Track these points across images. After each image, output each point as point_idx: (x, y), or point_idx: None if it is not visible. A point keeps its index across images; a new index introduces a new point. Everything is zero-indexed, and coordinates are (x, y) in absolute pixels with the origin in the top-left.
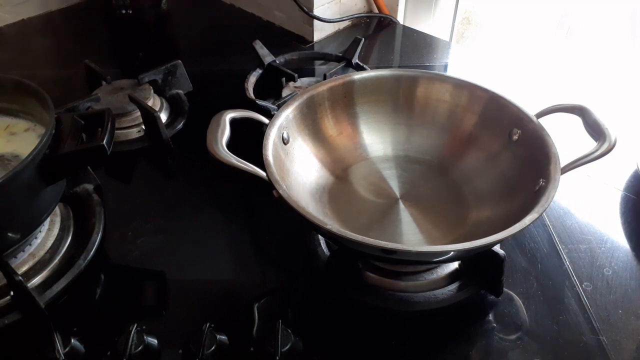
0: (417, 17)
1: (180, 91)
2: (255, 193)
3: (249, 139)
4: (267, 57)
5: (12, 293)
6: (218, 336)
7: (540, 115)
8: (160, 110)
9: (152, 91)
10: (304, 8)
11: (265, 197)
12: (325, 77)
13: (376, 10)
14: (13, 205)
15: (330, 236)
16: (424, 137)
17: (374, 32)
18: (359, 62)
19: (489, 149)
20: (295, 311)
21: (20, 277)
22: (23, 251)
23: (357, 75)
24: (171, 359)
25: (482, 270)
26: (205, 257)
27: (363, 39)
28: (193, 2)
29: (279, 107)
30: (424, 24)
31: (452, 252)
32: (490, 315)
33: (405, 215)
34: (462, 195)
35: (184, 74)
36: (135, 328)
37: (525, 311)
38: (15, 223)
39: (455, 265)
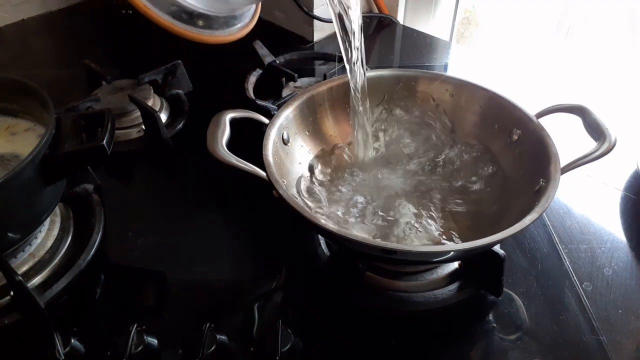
0: (417, 17)
1: (180, 91)
2: (255, 193)
3: (249, 139)
4: (267, 57)
5: (12, 293)
6: (218, 336)
7: (540, 115)
8: (160, 110)
9: (152, 91)
10: (304, 8)
11: (265, 197)
12: (325, 77)
13: (376, 10)
14: (13, 205)
15: (330, 236)
16: (424, 137)
17: (374, 32)
18: None
19: (489, 149)
20: (295, 311)
21: (20, 277)
22: (23, 251)
23: None
24: (171, 359)
25: (482, 270)
26: (205, 257)
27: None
28: None
29: (279, 107)
30: (424, 24)
31: (452, 252)
32: (490, 315)
33: (405, 214)
34: (462, 195)
35: (184, 74)
36: (135, 328)
37: (525, 311)
38: (15, 223)
39: (455, 265)
